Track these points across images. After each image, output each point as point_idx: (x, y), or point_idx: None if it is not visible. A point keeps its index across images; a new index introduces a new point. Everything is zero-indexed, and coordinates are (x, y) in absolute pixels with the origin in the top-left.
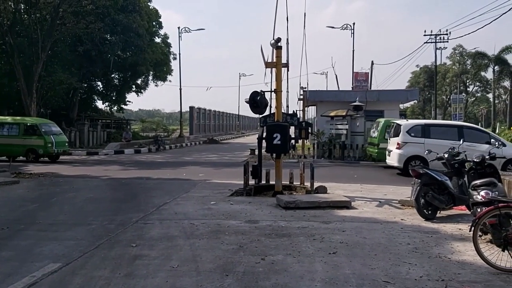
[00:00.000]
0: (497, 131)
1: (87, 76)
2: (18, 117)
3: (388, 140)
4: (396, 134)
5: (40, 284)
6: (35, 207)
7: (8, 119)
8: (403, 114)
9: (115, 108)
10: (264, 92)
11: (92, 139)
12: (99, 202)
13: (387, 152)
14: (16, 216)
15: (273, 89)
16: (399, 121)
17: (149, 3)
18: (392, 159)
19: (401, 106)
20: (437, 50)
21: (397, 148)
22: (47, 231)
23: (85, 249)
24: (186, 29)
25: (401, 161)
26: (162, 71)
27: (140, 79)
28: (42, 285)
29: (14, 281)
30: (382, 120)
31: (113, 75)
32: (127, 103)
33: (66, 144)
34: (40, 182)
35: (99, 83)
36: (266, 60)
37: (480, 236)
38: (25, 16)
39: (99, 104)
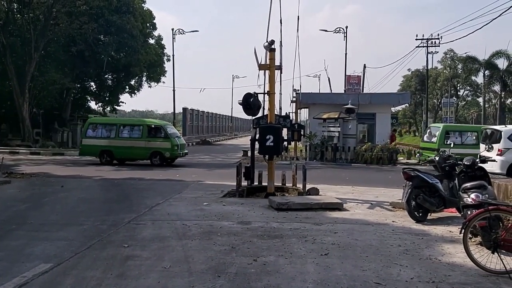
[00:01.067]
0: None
1: (80, 77)
2: (140, 119)
3: (486, 147)
4: (495, 141)
5: (31, 284)
6: (27, 207)
7: (130, 121)
8: (395, 117)
9: (108, 108)
10: (257, 94)
11: None
12: (91, 202)
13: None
14: (7, 216)
15: (266, 91)
16: (497, 127)
17: (143, 5)
18: (493, 166)
19: (393, 109)
20: (429, 54)
21: (498, 154)
22: (39, 231)
23: (77, 250)
24: (180, 30)
25: (504, 167)
26: (155, 72)
27: (133, 80)
28: (33, 285)
29: (5, 281)
30: (440, 126)
31: (106, 76)
32: (121, 103)
33: (185, 146)
34: (31, 182)
35: (92, 83)
36: (259, 62)
37: (470, 238)
38: (18, 15)
39: (92, 104)
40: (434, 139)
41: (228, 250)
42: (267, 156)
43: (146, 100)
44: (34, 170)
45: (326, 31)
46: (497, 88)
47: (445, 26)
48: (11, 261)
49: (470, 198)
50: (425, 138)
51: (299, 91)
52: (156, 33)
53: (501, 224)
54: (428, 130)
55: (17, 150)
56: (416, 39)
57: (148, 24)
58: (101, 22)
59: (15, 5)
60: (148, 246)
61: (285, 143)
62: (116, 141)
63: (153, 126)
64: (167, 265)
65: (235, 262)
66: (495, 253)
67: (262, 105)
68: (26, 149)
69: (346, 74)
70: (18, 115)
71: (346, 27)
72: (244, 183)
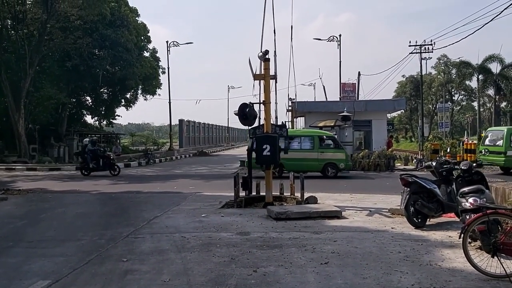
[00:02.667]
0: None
1: (76, 91)
2: (311, 130)
3: None
4: None
5: None
6: (24, 223)
7: (300, 131)
8: (391, 124)
9: (104, 122)
10: (253, 104)
11: None
12: (89, 217)
13: None
14: (4, 233)
15: (261, 101)
16: None
17: (137, 18)
18: None
19: (389, 115)
20: (422, 60)
21: None
22: (36, 248)
23: (75, 265)
24: (175, 43)
25: None
26: (151, 85)
27: (129, 93)
28: None
29: None
30: (503, 129)
31: (102, 90)
32: (116, 117)
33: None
34: (28, 198)
35: (88, 97)
36: (254, 73)
37: (470, 243)
38: (12, 32)
39: (88, 118)
40: (499, 143)
41: (227, 262)
42: (264, 166)
43: (142, 113)
44: (31, 186)
45: (319, 39)
46: (491, 92)
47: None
48: (9, 279)
49: (468, 202)
50: (486, 142)
51: (295, 100)
52: (150, 46)
53: (500, 228)
54: (490, 134)
55: (13, 167)
56: (410, 46)
57: (142, 38)
58: (96, 37)
59: (9, 21)
60: (147, 259)
61: (282, 152)
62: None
63: (324, 136)
64: (167, 278)
65: (235, 273)
66: (495, 257)
67: (258, 115)
68: (23, 165)
69: (341, 81)
70: (14, 131)
71: (340, 35)
72: (242, 193)
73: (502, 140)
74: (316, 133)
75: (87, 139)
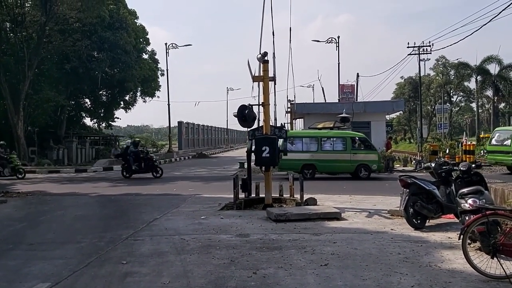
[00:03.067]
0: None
1: (75, 93)
2: (342, 131)
3: None
4: None
5: None
6: (23, 226)
7: (332, 133)
8: (390, 125)
9: (104, 124)
10: (252, 105)
11: (81, 156)
12: (88, 219)
13: None
14: (3, 235)
15: (260, 103)
16: None
17: (136, 20)
18: None
19: (387, 117)
20: (421, 62)
21: None
22: (36, 251)
23: (75, 268)
24: (173, 45)
25: None
26: (150, 87)
27: (128, 96)
28: None
29: None
30: (511, 128)
31: (101, 92)
32: (115, 119)
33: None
34: (28, 201)
35: (87, 100)
36: (253, 74)
37: (469, 244)
38: (11, 34)
39: (87, 121)
40: (507, 142)
41: (227, 264)
42: (263, 168)
43: (141, 115)
44: (30, 188)
45: (318, 41)
46: (489, 93)
47: (437, 33)
48: (9, 281)
49: (468, 203)
50: (493, 142)
51: (294, 102)
52: (149, 48)
53: (499, 229)
54: (497, 134)
55: None
56: (408, 47)
57: (141, 40)
58: (95, 39)
59: (7, 24)
60: (147, 262)
61: (281, 153)
62: (318, 155)
63: (357, 138)
64: (167, 281)
65: (235, 275)
66: (495, 258)
67: (257, 117)
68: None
69: (340, 83)
70: (13, 134)
71: (338, 37)
72: (242, 195)
73: (510, 140)
74: (348, 134)
75: (129, 140)
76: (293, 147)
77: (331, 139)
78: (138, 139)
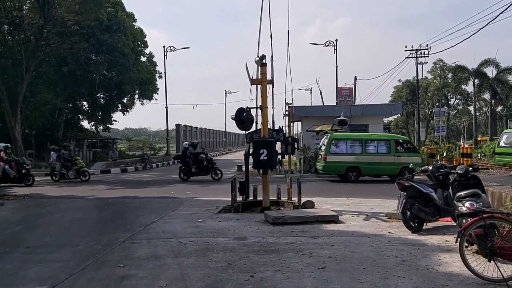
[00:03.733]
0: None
1: (73, 96)
2: (387, 134)
3: None
4: None
5: None
6: (20, 229)
7: (375, 135)
8: (387, 128)
9: (101, 127)
10: (250, 108)
11: None
12: (86, 222)
13: None
14: (0, 238)
15: (258, 106)
16: None
17: (134, 23)
18: None
19: (385, 120)
20: (418, 65)
21: None
22: (33, 254)
23: (72, 271)
24: (171, 47)
25: None
26: (148, 90)
27: (126, 98)
28: None
29: None
30: None
31: (98, 95)
32: (113, 122)
33: None
34: (25, 203)
35: (84, 102)
36: (251, 77)
37: (466, 247)
38: (9, 37)
39: (85, 124)
40: None
41: (224, 267)
42: (261, 170)
43: (138, 117)
44: (27, 191)
45: (316, 44)
46: (487, 96)
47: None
48: (5, 284)
49: (465, 206)
50: (501, 144)
51: (292, 105)
52: (147, 51)
53: (496, 232)
54: (505, 136)
55: None
56: (406, 50)
57: (139, 42)
58: (92, 42)
59: (5, 26)
60: (144, 265)
61: (279, 156)
62: (363, 157)
63: (400, 140)
64: (164, 284)
65: (232, 278)
66: (492, 261)
67: (255, 120)
68: None
69: (338, 86)
70: (10, 136)
71: (336, 40)
72: (239, 198)
73: None
74: (392, 137)
75: (187, 142)
76: (337, 150)
77: (375, 141)
78: (196, 141)
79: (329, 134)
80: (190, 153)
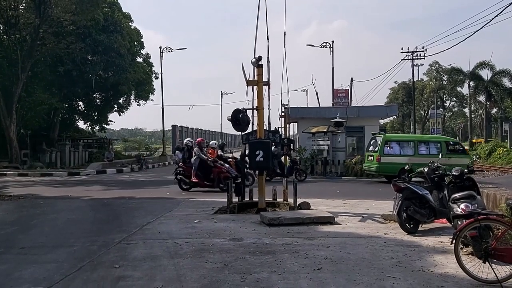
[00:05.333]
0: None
1: (68, 96)
2: (437, 136)
3: None
4: None
5: None
6: (15, 229)
7: (427, 137)
8: (383, 129)
9: (97, 128)
10: (246, 110)
11: (74, 159)
12: (81, 223)
13: None
14: None
15: (254, 107)
16: None
17: (130, 24)
18: None
19: (381, 121)
20: (414, 67)
21: None
22: (27, 254)
23: (67, 272)
24: (168, 48)
25: None
26: (144, 91)
27: (122, 99)
28: None
29: None
30: None
31: (94, 95)
32: (109, 122)
33: None
34: (20, 204)
35: (80, 103)
36: (247, 78)
37: (461, 248)
38: (5, 36)
39: (81, 124)
40: None
41: (220, 268)
42: (257, 172)
43: (134, 118)
44: (22, 191)
45: (312, 46)
46: (482, 98)
47: (430, 38)
48: None
49: (460, 208)
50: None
51: (288, 106)
52: (143, 52)
53: (491, 234)
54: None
55: (4, 172)
56: (402, 52)
57: (135, 43)
58: (89, 42)
59: (1, 26)
60: (140, 266)
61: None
62: (415, 159)
63: (450, 142)
64: (159, 285)
65: (228, 279)
66: (486, 263)
67: (251, 121)
68: (14, 171)
69: (334, 88)
70: (5, 136)
71: (332, 42)
72: (235, 199)
73: None
74: (443, 138)
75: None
76: (391, 151)
77: (427, 143)
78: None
79: (382, 135)
80: (274, 154)
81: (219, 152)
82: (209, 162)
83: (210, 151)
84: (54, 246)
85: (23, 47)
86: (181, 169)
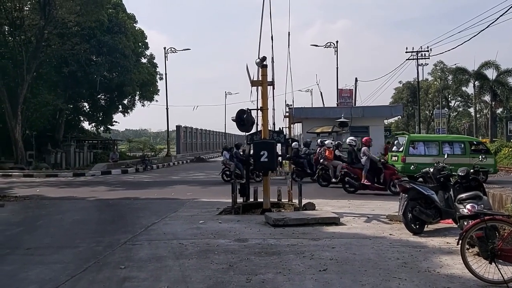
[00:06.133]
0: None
1: (73, 97)
2: (461, 136)
3: None
4: None
5: None
6: (21, 230)
7: (451, 137)
8: (388, 130)
9: (102, 128)
10: (250, 110)
11: (79, 160)
12: (86, 224)
13: None
14: (0, 240)
15: (259, 107)
16: None
17: (134, 24)
18: None
19: (386, 121)
20: (419, 67)
21: None
22: (33, 255)
23: (73, 273)
24: (172, 49)
25: None
26: (148, 91)
27: (126, 100)
28: None
29: None
30: None
31: (99, 96)
32: (114, 123)
33: None
34: (25, 205)
35: (85, 104)
36: (251, 79)
37: (468, 249)
38: (10, 38)
39: (86, 125)
40: None
41: (225, 269)
42: (262, 172)
43: (139, 119)
44: (28, 192)
45: (317, 46)
46: (487, 98)
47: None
48: (5, 286)
49: (466, 208)
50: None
51: (292, 106)
52: (148, 52)
53: (497, 234)
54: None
55: (10, 173)
56: (406, 52)
57: (140, 44)
58: (93, 43)
59: (6, 27)
60: (145, 266)
61: (280, 158)
62: (440, 159)
63: (474, 142)
64: (165, 286)
65: (233, 280)
66: (493, 263)
67: (256, 121)
68: (19, 172)
69: (338, 87)
70: (10, 137)
71: (337, 41)
72: (240, 199)
73: None
74: (467, 138)
75: (296, 142)
76: (415, 151)
77: (451, 143)
78: (309, 140)
79: (406, 136)
80: (304, 153)
81: (337, 153)
82: (379, 164)
83: (327, 152)
84: (59, 247)
85: (28, 48)
86: (227, 169)
